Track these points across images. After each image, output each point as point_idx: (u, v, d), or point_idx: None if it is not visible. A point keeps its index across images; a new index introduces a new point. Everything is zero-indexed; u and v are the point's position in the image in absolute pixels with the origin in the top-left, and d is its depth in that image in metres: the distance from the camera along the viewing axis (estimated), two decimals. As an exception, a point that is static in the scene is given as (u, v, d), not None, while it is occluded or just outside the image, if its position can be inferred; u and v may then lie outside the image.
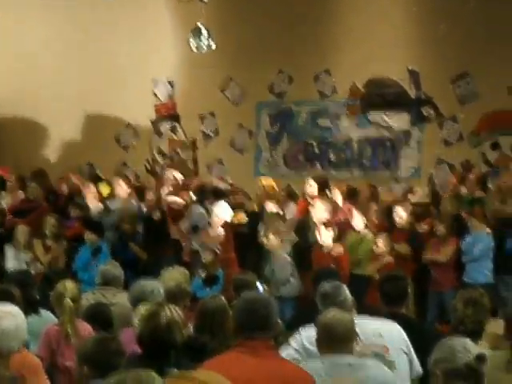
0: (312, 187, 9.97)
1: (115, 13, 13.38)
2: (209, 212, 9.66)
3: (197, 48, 10.21)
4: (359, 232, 8.94)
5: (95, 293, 6.32)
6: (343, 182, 10.95)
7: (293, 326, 5.15)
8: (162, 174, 11.38)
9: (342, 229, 9.00)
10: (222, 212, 9.41)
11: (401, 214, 8.97)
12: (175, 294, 5.54)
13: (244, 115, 12.66)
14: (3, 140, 13.65)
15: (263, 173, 12.32)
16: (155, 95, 13.37)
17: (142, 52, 13.10)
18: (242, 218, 9.52)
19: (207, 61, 11.89)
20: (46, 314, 5.83)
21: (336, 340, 3.98)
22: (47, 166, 12.51)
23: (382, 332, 4.55)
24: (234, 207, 9.66)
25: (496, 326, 4.53)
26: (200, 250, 9.00)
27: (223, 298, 5.16)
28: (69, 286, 5.62)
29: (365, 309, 5.17)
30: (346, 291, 4.93)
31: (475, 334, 4.52)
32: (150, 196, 10.11)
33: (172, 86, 13.28)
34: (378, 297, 5.37)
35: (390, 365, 4.37)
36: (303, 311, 6.75)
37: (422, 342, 4.55)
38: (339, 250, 8.63)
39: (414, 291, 7.89)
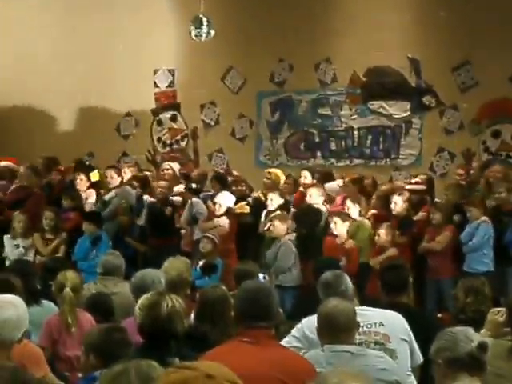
0: (307, 179, 10.03)
1: (115, 1, 13.36)
2: (211, 201, 9.63)
3: (196, 36, 10.18)
4: (355, 220, 8.92)
5: (96, 282, 6.33)
6: (347, 170, 10.96)
7: (294, 316, 5.16)
8: (162, 164, 11.37)
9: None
10: (225, 201, 9.40)
11: (398, 203, 8.93)
12: (176, 284, 5.54)
13: (244, 104, 12.64)
14: (1, 129, 13.66)
15: (264, 162, 12.32)
16: (155, 84, 13.36)
17: (142, 41, 13.08)
18: (245, 207, 9.52)
19: (207, 50, 11.87)
20: (47, 303, 5.83)
21: (337, 329, 3.98)
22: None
23: (383, 321, 4.55)
24: (237, 197, 9.66)
25: (497, 315, 4.53)
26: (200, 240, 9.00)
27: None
28: (70, 275, 5.62)
29: (366, 298, 5.18)
30: (348, 280, 4.93)
31: (476, 323, 4.52)
32: (158, 189, 10.02)
33: (172, 75, 13.27)
34: (379, 286, 5.37)
35: (391, 353, 4.37)
36: (304, 300, 6.75)
37: (424, 330, 4.56)
38: (352, 242, 8.63)
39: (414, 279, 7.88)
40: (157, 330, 3.96)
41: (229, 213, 9.36)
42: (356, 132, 11.98)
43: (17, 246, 9.18)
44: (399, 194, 9.02)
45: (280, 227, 8.76)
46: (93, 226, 9.11)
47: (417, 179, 9.76)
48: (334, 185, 9.98)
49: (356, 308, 4.26)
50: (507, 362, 4.06)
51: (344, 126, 12.06)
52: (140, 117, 13.46)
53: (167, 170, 10.79)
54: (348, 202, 9.06)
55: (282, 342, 4.25)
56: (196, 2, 9.96)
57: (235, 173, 10.91)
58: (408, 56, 11.57)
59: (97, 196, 10.22)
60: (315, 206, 9.21)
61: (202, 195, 9.87)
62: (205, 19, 9.96)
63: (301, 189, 9.89)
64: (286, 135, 12.44)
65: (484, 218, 8.45)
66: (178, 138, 13.24)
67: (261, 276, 6.41)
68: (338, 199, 9.67)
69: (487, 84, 11.04)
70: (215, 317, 4.84)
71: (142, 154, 12.41)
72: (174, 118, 13.30)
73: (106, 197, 9.97)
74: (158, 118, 13.40)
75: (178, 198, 10.00)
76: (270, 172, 10.37)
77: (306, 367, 3.64)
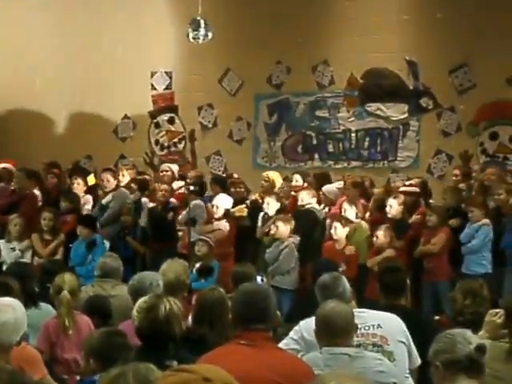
0: (298, 182, 10.06)
1: (113, 3, 13.36)
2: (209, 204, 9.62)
3: (194, 38, 10.18)
4: (352, 222, 8.92)
5: (94, 285, 6.32)
6: (344, 173, 10.97)
7: (291, 318, 5.15)
8: (159, 166, 11.36)
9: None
10: (223, 204, 9.39)
11: (392, 205, 8.93)
12: (174, 286, 5.54)
13: (242, 106, 12.64)
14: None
15: (261, 164, 12.32)
16: (153, 86, 13.35)
17: (140, 43, 13.09)
18: (243, 210, 9.52)
19: (205, 52, 11.87)
20: (45, 306, 5.82)
21: (335, 332, 3.98)
22: (45, 159, 12.44)
23: (381, 323, 4.55)
24: (236, 200, 9.65)
25: (495, 317, 4.53)
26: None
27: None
28: (67, 278, 5.61)
29: (364, 300, 5.18)
30: (345, 282, 4.93)
31: (474, 325, 4.52)
32: (158, 192, 10.00)
33: (170, 77, 13.26)
34: (377, 288, 5.37)
35: (389, 355, 4.38)
36: (302, 303, 6.75)
37: (422, 333, 4.56)
38: (352, 248, 8.62)
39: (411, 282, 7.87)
40: (155, 332, 3.96)
41: (227, 215, 9.35)
42: (354, 134, 11.99)
43: (13, 249, 9.15)
44: (394, 197, 9.03)
45: (283, 229, 8.77)
46: (87, 230, 9.05)
47: (411, 181, 9.77)
48: (333, 187, 9.96)
49: (354, 310, 4.26)
50: (505, 364, 4.06)
51: (342, 128, 12.06)
52: (137, 119, 13.45)
53: (166, 171, 10.77)
54: (345, 204, 9.06)
55: (280, 345, 4.25)
56: (194, 4, 9.95)
57: (235, 175, 10.90)
58: (405, 58, 11.58)
59: (94, 200, 10.22)
60: (309, 207, 9.21)
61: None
62: (202, 21, 9.95)
63: (293, 193, 9.90)
64: (283, 137, 12.44)
65: (486, 220, 8.45)
66: (176, 140, 13.23)
67: (258, 278, 6.41)
68: (338, 202, 9.65)
69: (485, 86, 11.05)
70: (213, 319, 4.83)
71: (139, 156, 12.41)
72: (171, 121, 13.29)
73: (103, 201, 9.94)
74: (155, 121, 13.39)
75: (174, 201, 9.98)
76: (268, 176, 10.36)
77: (304, 370, 3.63)
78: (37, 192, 10.50)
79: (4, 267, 8.59)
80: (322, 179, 10.22)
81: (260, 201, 9.81)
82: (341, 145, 12.08)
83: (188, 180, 10.42)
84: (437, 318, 6.99)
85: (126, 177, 10.44)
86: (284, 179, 10.51)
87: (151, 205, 9.89)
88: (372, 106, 11.82)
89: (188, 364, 2.78)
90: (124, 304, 5.49)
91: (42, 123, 13.91)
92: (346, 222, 8.76)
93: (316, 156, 12.20)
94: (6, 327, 3.99)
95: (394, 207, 8.88)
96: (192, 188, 9.63)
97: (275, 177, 10.37)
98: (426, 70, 11.46)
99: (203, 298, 5.01)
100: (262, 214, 9.40)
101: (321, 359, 3.92)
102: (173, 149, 13.23)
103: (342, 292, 4.82)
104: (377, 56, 11.63)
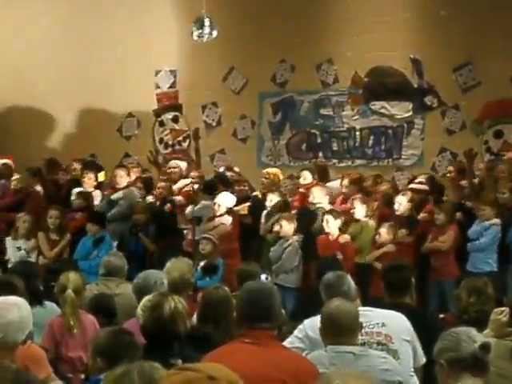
0: (307, 179, 10.02)
1: (117, 2, 13.37)
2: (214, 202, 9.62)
3: (198, 37, 10.18)
4: (359, 221, 8.92)
5: (98, 284, 6.32)
6: (349, 171, 10.96)
7: (296, 316, 5.15)
8: (164, 165, 11.37)
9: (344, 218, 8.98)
10: (225, 202, 9.39)
11: (401, 202, 8.93)
12: (178, 285, 5.54)
13: (246, 105, 12.64)
14: (2, 131, 13.66)
15: (266, 163, 12.32)
16: (157, 85, 13.36)
17: (144, 41, 13.10)
18: (246, 208, 9.52)
19: (209, 50, 11.87)
20: (50, 305, 5.82)
21: (340, 330, 3.98)
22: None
23: (386, 321, 4.55)
24: (240, 198, 9.65)
25: (501, 315, 4.52)
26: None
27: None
28: (72, 277, 5.61)
29: (369, 298, 5.17)
30: (350, 281, 4.93)
31: (479, 323, 4.51)
32: (159, 188, 10.03)
33: (174, 76, 13.27)
34: (382, 287, 5.37)
35: (394, 354, 4.37)
36: (306, 301, 6.75)
37: (427, 331, 4.56)
38: (346, 237, 8.62)
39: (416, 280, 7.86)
40: (159, 331, 3.96)
41: (229, 213, 9.34)
42: (358, 132, 11.98)
43: (19, 249, 9.12)
44: (403, 194, 9.03)
45: (287, 227, 8.77)
46: (96, 227, 9.07)
47: (420, 179, 9.76)
48: (335, 184, 9.97)
49: (359, 308, 4.26)
50: (510, 363, 4.05)
51: (346, 126, 12.06)
52: (142, 118, 13.46)
53: (174, 168, 10.77)
54: (356, 203, 9.04)
55: (285, 343, 4.24)
56: (198, 2, 9.95)
57: (236, 169, 10.90)
58: (410, 56, 11.57)
59: (101, 196, 10.25)
60: (317, 206, 9.19)
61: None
62: (207, 20, 9.95)
63: (301, 190, 9.87)
64: (287, 136, 12.44)
65: (496, 220, 8.42)
66: (180, 138, 13.24)
67: (263, 277, 6.40)
68: (339, 199, 9.66)
69: (489, 84, 11.03)
70: (218, 318, 4.84)
71: (143, 154, 12.39)
72: (175, 119, 13.30)
73: (113, 196, 9.94)
74: (159, 119, 13.40)
75: (180, 198, 9.99)
76: (268, 172, 10.35)
77: (309, 368, 3.63)
78: (38, 188, 10.53)
79: (9, 266, 8.61)
80: (322, 175, 10.22)
81: (261, 198, 9.80)
82: (345, 143, 12.08)
83: (192, 179, 10.44)
84: (441, 316, 6.98)
85: (123, 177, 10.41)
86: (289, 177, 10.50)
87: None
88: (376, 105, 11.81)
89: (193, 362, 2.79)
90: (128, 303, 5.50)
91: (47, 123, 13.93)
92: (337, 214, 8.75)
93: (320, 154, 12.19)
94: (11, 326, 4.00)
95: (402, 204, 8.89)
96: (202, 187, 9.66)
97: (277, 173, 10.35)
98: (431, 68, 11.44)
99: (208, 297, 5.01)
100: (265, 212, 9.39)
101: (325, 357, 3.92)
102: (177, 147, 13.24)
103: (347, 290, 4.82)
104: (381, 54, 11.62)
